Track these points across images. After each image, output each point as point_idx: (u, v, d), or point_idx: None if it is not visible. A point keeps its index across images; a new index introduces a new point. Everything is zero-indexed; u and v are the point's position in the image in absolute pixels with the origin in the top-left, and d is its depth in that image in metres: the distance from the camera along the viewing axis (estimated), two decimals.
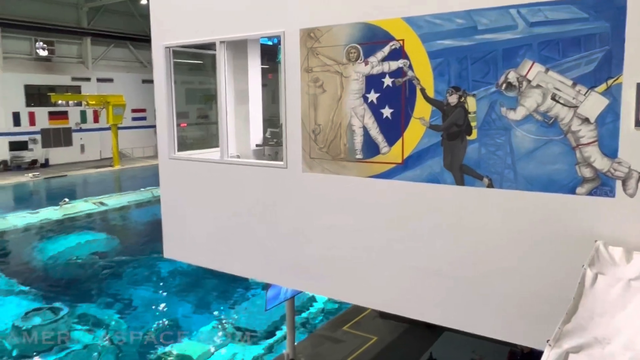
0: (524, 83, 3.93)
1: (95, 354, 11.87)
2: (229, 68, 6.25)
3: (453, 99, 4.24)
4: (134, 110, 41.32)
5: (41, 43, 37.75)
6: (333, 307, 14.00)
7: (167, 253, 6.90)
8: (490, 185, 4.15)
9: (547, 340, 3.00)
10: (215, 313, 14.19)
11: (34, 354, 11.54)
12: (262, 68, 6.93)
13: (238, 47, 6.48)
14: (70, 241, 20.48)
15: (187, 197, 6.54)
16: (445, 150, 4.32)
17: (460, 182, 4.28)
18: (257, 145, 6.92)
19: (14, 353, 11.65)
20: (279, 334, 12.64)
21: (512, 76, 3.97)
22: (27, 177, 32.41)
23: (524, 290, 4.08)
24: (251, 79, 6.74)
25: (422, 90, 4.37)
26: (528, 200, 3.99)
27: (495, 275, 4.21)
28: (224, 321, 13.37)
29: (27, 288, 15.69)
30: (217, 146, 6.40)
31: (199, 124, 36.27)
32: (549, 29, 3.81)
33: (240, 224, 5.92)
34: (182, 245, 6.74)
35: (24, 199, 28.89)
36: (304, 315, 13.71)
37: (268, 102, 7.24)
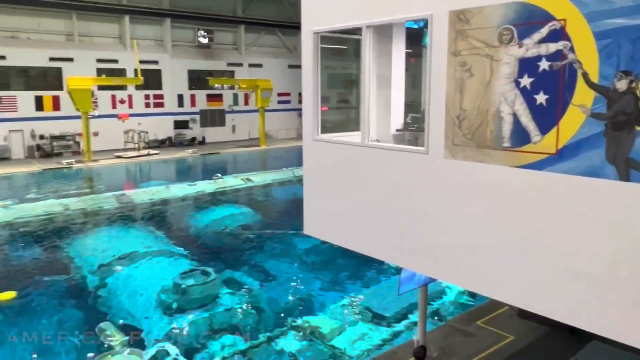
0: None
1: (238, 316, 13.02)
2: (374, 52, 6.30)
3: (622, 85, 3.79)
4: (279, 94, 43.78)
5: (202, 32, 41.81)
6: (466, 300, 13.56)
7: (307, 230, 7.26)
8: None
9: None
10: (347, 292, 14.61)
11: (188, 309, 13.07)
12: (405, 52, 6.86)
13: (383, 32, 6.48)
14: (220, 213, 22.57)
15: (327, 177, 6.80)
16: (609, 141, 3.88)
17: (625, 177, 3.83)
18: (397, 130, 6.90)
19: (174, 305, 13.33)
20: (405, 322, 12.62)
21: None
22: (187, 153, 36.41)
23: None
24: (395, 63, 6.71)
25: (585, 75, 3.97)
26: None
27: None
28: (354, 301, 13.73)
29: (184, 251, 17.72)
30: (355, 130, 6.51)
31: (339, 108, 37.14)
32: None
33: (377, 206, 6.00)
34: (321, 223, 7.04)
35: (184, 172, 32.70)
36: (435, 305, 13.48)
37: (408, 87, 7.16)
